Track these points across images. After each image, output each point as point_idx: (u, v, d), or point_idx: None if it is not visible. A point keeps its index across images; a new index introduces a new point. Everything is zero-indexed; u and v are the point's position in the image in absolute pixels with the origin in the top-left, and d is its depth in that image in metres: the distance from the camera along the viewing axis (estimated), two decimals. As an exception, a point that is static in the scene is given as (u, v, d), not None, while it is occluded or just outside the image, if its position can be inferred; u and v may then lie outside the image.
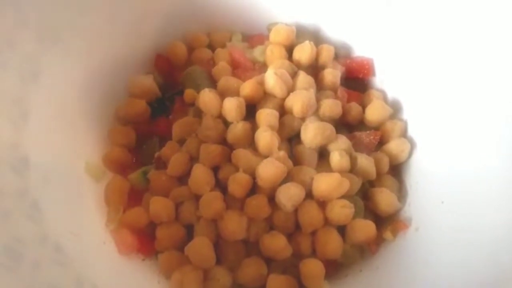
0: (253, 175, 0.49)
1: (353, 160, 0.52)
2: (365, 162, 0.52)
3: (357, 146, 0.54)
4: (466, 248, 0.41)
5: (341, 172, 0.50)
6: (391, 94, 0.60)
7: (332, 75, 0.58)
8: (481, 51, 0.47)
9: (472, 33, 0.48)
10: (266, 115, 0.52)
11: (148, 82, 0.59)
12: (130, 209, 0.52)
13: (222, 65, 0.58)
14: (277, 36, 0.60)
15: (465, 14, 0.48)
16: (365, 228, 0.49)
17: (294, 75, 0.56)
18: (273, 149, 0.50)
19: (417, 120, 0.56)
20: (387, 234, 0.50)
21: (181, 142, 0.54)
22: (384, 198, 0.51)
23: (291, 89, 0.54)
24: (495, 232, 0.39)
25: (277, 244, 0.47)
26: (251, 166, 0.49)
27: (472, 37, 0.48)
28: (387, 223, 0.51)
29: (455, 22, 0.49)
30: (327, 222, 0.49)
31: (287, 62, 0.57)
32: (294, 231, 0.50)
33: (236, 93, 0.54)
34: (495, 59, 0.46)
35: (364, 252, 0.51)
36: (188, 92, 0.56)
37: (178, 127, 0.55)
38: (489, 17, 0.46)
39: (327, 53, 0.59)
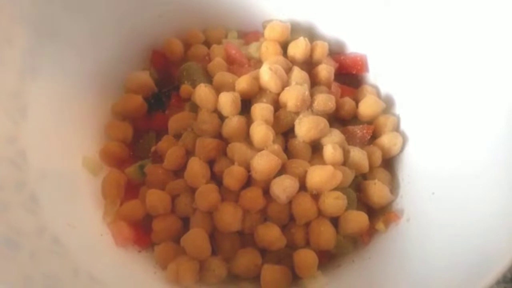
0: (248, 168, 0.50)
1: (346, 153, 0.52)
2: (358, 155, 0.53)
3: (350, 139, 0.55)
4: (455, 237, 0.41)
5: (334, 164, 0.50)
6: (384, 90, 0.61)
7: (326, 70, 0.58)
8: (472, 49, 0.48)
9: (464, 30, 0.49)
10: (261, 110, 0.53)
11: (145, 78, 0.60)
12: (127, 202, 0.53)
13: (217, 61, 0.59)
14: (272, 33, 0.60)
15: (458, 11, 0.49)
16: (357, 219, 0.50)
17: (288, 71, 0.57)
18: (268, 143, 0.51)
19: (409, 115, 0.57)
20: (379, 225, 0.51)
21: (177, 136, 0.55)
22: (377, 190, 0.52)
23: (285, 84, 0.55)
24: (481, 223, 0.40)
25: (271, 235, 0.48)
26: (246, 159, 0.50)
27: (464, 33, 0.49)
28: (380, 214, 0.52)
29: (447, 19, 0.50)
30: (320, 213, 0.50)
31: (281, 58, 0.58)
32: (288, 222, 0.51)
33: (231, 88, 0.55)
34: (485, 58, 0.47)
35: (356, 242, 0.52)
36: (184, 88, 0.57)
37: (174, 122, 0.55)
38: (482, 16, 0.47)
39: (321, 49, 0.60)
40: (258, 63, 0.59)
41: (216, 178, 0.52)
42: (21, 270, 0.37)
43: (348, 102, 0.58)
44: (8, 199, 0.42)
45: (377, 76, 0.62)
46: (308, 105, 0.54)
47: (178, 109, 0.57)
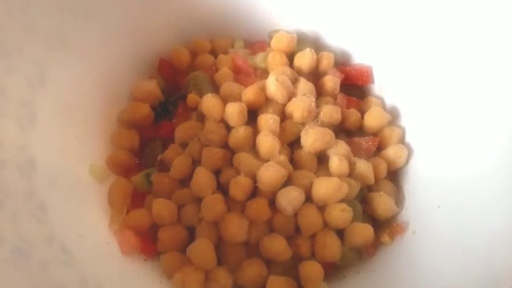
0: (254, 178, 0.50)
1: (352, 165, 0.53)
2: (363, 167, 0.53)
3: (356, 151, 0.55)
4: (461, 250, 0.42)
5: (340, 176, 0.51)
6: (389, 101, 0.62)
7: (332, 81, 0.59)
8: (476, 63, 0.48)
9: (468, 42, 0.49)
10: (267, 120, 0.53)
11: (152, 87, 0.60)
12: (133, 210, 0.53)
13: (224, 71, 0.59)
14: (279, 43, 0.61)
15: (462, 24, 0.50)
16: (363, 232, 0.50)
17: (295, 82, 0.57)
18: (274, 153, 0.51)
19: (415, 127, 0.58)
20: (385, 238, 0.51)
21: (184, 145, 0.55)
22: (382, 202, 0.52)
23: (292, 95, 0.55)
24: (488, 234, 0.40)
25: (277, 246, 0.49)
26: (252, 169, 0.50)
27: (468, 46, 0.49)
28: (385, 226, 0.53)
29: (452, 32, 0.51)
30: (326, 225, 0.50)
31: (288, 68, 0.59)
32: (293, 233, 0.51)
33: (238, 98, 0.55)
34: (490, 69, 0.47)
35: (362, 254, 0.52)
36: (191, 97, 0.58)
37: (181, 131, 0.56)
38: (484, 30, 0.47)
39: (327, 60, 0.61)
40: (265, 73, 0.60)
41: (222, 188, 0.52)
42: (30, 279, 0.38)
43: (353, 113, 0.58)
44: (18, 208, 0.42)
45: (382, 87, 0.63)
46: (314, 116, 0.55)
47: (184, 118, 0.58)
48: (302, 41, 0.63)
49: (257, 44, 0.65)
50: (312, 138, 0.52)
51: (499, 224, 0.40)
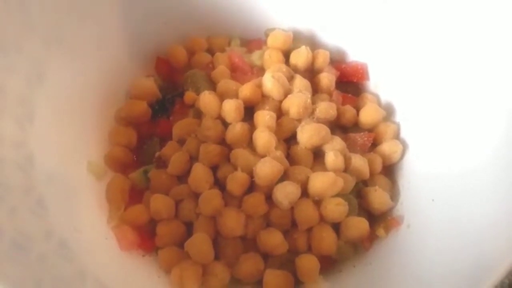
0: (251, 174, 0.51)
1: (347, 160, 0.53)
2: (359, 162, 0.53)
3: (351, 147, 0.56)
4: (454, 242, 0.42)
5: (336, 171, 0.51)
6: (384, 98, 0.62)
7: (328, 79, 0.59)
8: (470, 59, 0.49)
9: (463, 39, 0.50)
10: (264, 117, 0.53)
11: (149, 84, 0.61)
12: (131, 206, 0.54)
13: (221, 69, 0.60)
14: (275, 41, 0.61)
15: (456, 21, 0.50)
16: (358, 225, 0.51)
17: (290, 79, 0.58)
18: (270, 149, 0.52)
19: (410, 123, 0.58)
20: (380, 231, 0.52)
21: (181, 142, 0.56)
22: (377, 196, 0.53)
23: (288, 92, 0.56)
24: (481, 226, 0.41)
25: (274, 240, 0.49)
26: (249, 165, 0.51)
27: (462, 42, 0.50)
28: (380, 220, 0.53)
29: (446, 28, 0.52)
30: (322, 219, 0.51)
31: (284, 66, 0.59)
32: (290, 227, 0.51)
33: (235, 95, 0.56)
34: (484, 65, 0.48)
35: (357, 248, 0.53)
36: (189, 94, 0.58)
37: (178, 128, 0.56)
38: (478, 27, 0.48)
39: (322, 57, 0.61)
40: (261, 71, 0.61)
41: (219, 184, 0.53)
42: (30, 273, 0.38)
43: (349, 110, 0.59)
44: (16, 203, 0.42)
45: (377, 84, 0.63)
46: (310, 113, 0.55)
47: (182, 115, 0.58)
48: (298, 39, 0.64)
49: (253, 42, 0.66)
50: (308, 134, 0.53)
51: (490, 216, 0.41)
